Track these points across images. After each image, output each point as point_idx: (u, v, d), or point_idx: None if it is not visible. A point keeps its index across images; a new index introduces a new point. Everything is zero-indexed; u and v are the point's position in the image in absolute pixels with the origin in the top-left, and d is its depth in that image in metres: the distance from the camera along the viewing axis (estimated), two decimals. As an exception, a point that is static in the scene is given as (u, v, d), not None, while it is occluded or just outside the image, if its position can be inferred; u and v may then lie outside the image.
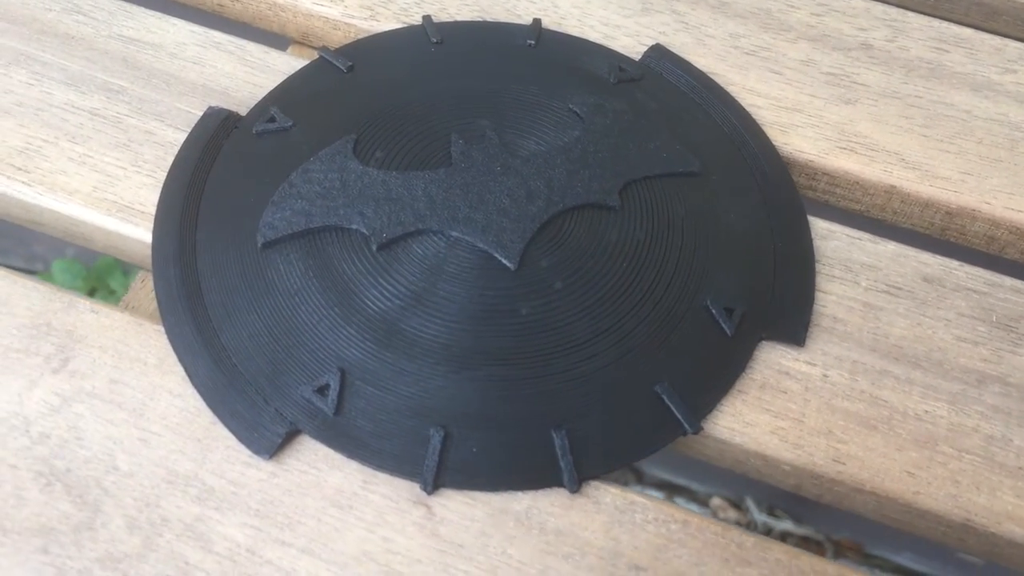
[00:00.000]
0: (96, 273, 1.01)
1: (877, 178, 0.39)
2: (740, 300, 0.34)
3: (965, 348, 0.35)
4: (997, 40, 0.43)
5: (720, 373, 0.33)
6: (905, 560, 1.01)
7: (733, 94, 0.40)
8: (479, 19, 0.42)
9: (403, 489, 0.31)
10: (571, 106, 0.38)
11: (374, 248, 0.33)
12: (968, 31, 0.43)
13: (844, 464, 0.32)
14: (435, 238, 0.34)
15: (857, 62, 0.42)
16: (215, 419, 0.31)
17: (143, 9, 0.41)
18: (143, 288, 0.36)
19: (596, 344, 0.33)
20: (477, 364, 0.32)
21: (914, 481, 0.32)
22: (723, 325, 0.34)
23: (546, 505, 0.31)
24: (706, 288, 0.34)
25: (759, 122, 0.40)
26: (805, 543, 1.07)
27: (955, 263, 0.37)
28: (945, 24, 0.43)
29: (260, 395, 0.32)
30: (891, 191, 0.39)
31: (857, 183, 0.39)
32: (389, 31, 0.41)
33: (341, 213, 0.34)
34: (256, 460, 0.31)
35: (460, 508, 0.31)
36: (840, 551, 1.07)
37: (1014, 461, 0.33)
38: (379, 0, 0.42)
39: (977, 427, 0.33)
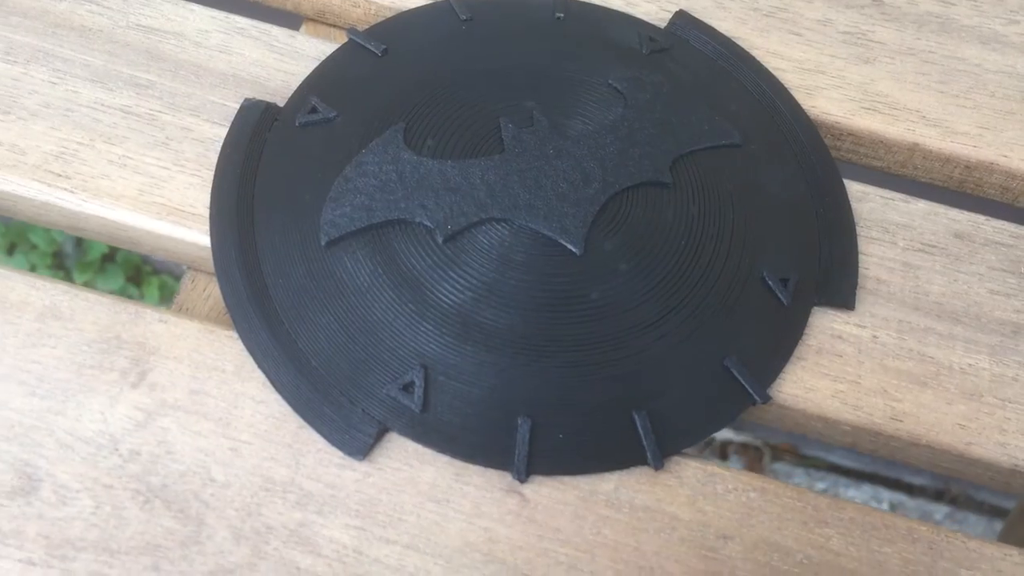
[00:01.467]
0: (15, 229, 0.98)
1: (900, 136, 0.40)
2: (793, 269, 0.36)
3: (999, 301, 0.37)
4: (999, -10, 0.44)
5: (781, 342, 0.35)
6: (837, 458, 1.06)
7: (758, 58, 0.41)
8: (501, -8, 0.41)
9: (495, 479, 0.32)
10: (611, 81, 0.38)
11: (440, 241, 0.33)
12: (973, -20, 0.45)
13: (901, 421, 0.34)
14: (499, 227, 0.34)
15: (871, 19, 0.43)
16: (302, 423, 0.32)
17: (158, -5, 0.39)
18: (194, 289, 0.36)
19: (665, 324, 0.34)
20: (554, 351, 0.33)
21: (965, 433, 0.34)
22: (779, 296, 0.35)
23: (632, 484, 0.32)
24: (761, 259, 0.36)
25: (786, 86, 0.40)
26: (745, 449, 1.12)
27: (982, 218, 0.39)
28: (950, -27, 0.44)
29: (346, 396, 0.32)
30: (913, 148, 0.40)
31: (881, 142, 0.40)
32: (416, 9, 0.40)
33: (403, 206, 0.34)
34: (349, 461, 0.31)
35: (552, 493, 0.32)
36: (777, 454, 1.12)
37: (1053, 407, 0.35)
38: (398, -25, 0.41)
39: (1016, 376, 0.35)
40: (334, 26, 0.42)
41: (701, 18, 0.42)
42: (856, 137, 0.41)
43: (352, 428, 0.32)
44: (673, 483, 0.32)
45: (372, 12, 0.41)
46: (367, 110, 0.37)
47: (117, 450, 0.31)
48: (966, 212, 0.39)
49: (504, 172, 0.35)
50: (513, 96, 0.37)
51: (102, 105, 0.37)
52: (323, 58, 0.39)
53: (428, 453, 0.32)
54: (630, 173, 0.36)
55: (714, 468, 0.33)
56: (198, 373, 0.32)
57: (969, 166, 0.40)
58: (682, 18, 0.41)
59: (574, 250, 0.34)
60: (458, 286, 0.33)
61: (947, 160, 0.40)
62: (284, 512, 0.30)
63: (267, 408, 0.32)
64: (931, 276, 0.37)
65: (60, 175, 0.35)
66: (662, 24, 0.41)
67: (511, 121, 0.36)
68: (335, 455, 0.31)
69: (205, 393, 0.32)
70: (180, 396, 0.32)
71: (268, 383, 0.32)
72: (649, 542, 0.31)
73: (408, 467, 0.32)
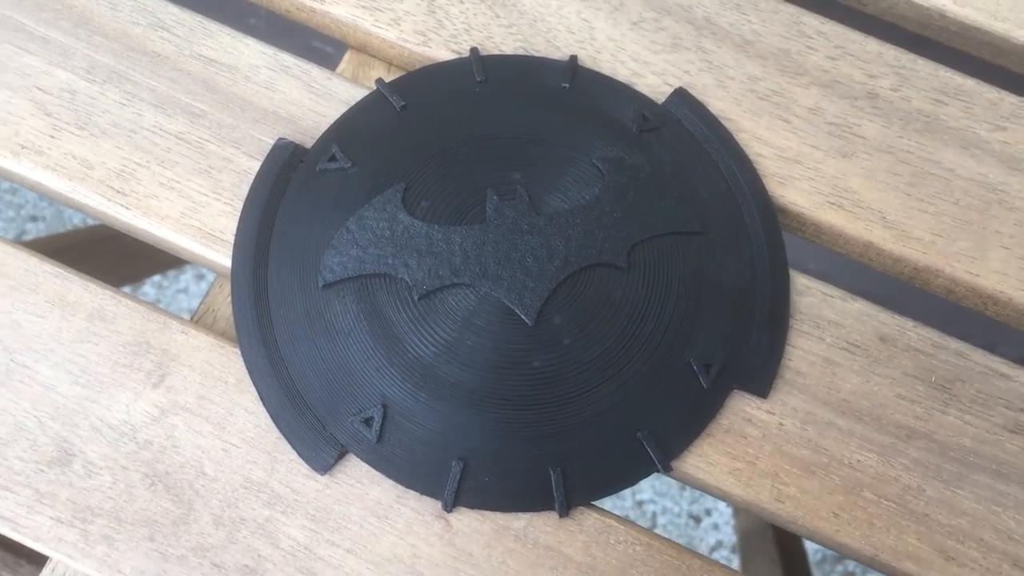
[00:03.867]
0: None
1: (858, 234, 0.44)
2: (719, 355, 0.41)
3: (903, 405, 0.42)
4: (995, 94, 0.46)
5: (694, 420, 0.41)
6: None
7: (742, 142, 0.45)
8: (522, 50, 0.46)
9: (428, 505, 0.39)
10: (595, 161, 0.43)
11: (416, 298, 0.40)
12: (970, 82, 0.47)
13: (783, 503, 0.40)
14: (468, 291, 0.40)
15: (860, 112, 0.46)
16: (281, 436, 0.39)
17: (220, 26, 0.45)
18: (221, 292, 0.43)
19: (593, 395, 0.40)
20: (495, 407, 0.39)
21: (837, 521, 0.40)
22: (701, 379, 0.41)
23: (540, 524, 0.39)
24: (691, 344, 0.41)
25: (761, 173, 0.45)
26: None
27: (910, 324, 0.43)
28: (949, 74, 0.47)
29: (319, 420, 0.39)
30: (868, 245, 0.44)
31: (840, 235, 0.44)
32: (438, 64, 0.45)
33: (390, 263, 0.40)
34: (313, 474, 0.39)
35: (472, 523, 0.39)
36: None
37: (922, 509, 0.40)
38: (431, 26, 0.46)
39: (898, 477, 0.41)
40: (375, 57, 0.47)
41: (702, 95, 0.46)
42: (817, 227, 0.45)
43: (319, 447, 0.39)
44: (574, 529, 0.39)
45: (405, 56, 0.46)
46: (378, 165, 0.42)
47: (135, 439, 0.39)
48: (897, 316, 0.43)
49: (480, 242, 0.41)
50: (505, 166, 0.42)
51: (161, 130, 0.43)
52: (353, 103, 0.44)
53: (378, 476, 0.39)
54: (590, 254, 0.41)
55: (611, 521, 0.40)
56: (206, 381, 0.40)
57: (917, 268, 0.44)
58: (679, 96, 0.45)
59: (527, 321, 0.40)
60: (425, 340, 0.40)
61: (898, 260, 0.44)
62: (256, 508, 0.39)
63: (256, 419, 0.40)
64: (847, 375, 0.42)
65: (118, 191, 0.42)
66: (662, 98, 0.45)
67: (497, 193, 0.42)
68: (303, 467, 0.39)
69: (209, 399, 0.40)
70: (190, 399, 0.40)
71: (259, 398, 0.40)
72: None
73: (360, 485, 0.39)
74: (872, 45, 0.47)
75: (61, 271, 0.41)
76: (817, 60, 0.47)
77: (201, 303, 0.43)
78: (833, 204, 0.44)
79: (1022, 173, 0.45)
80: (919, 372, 0.42)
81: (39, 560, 0.44)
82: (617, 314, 0.41)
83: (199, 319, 0.42)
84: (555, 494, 0.39)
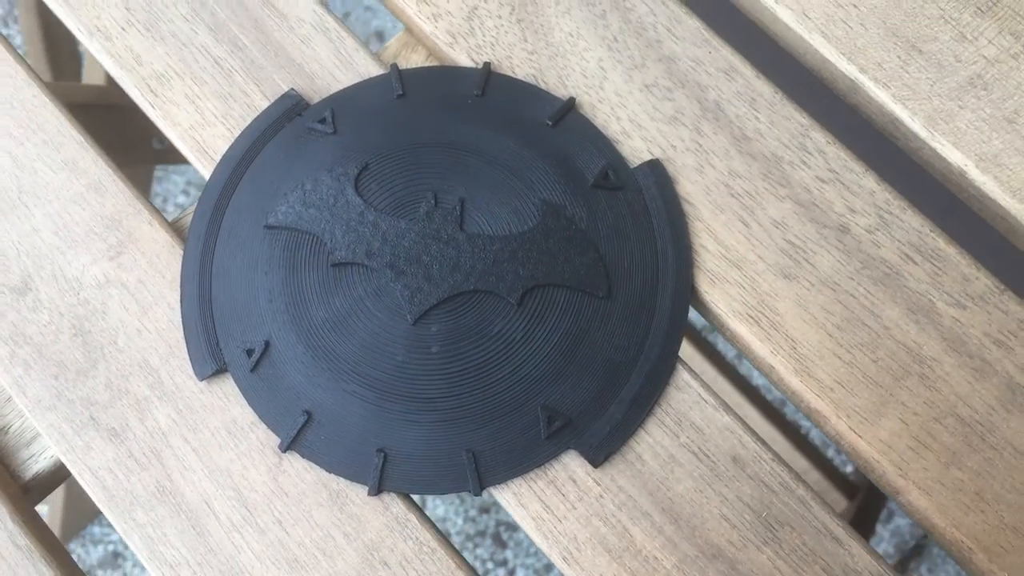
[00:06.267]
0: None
1: (764, 355, 0.45)
2: (568, 413, 0.43)
3: (723, 526, 0.43)
4: (972, 270, 0.45)
5: (520, 460, 0.43)
6: None
7: (694, 230, 0.46)
8: (531, 78, 0.48)
9: (272, 440, 0.45)
10: (537, 200, 0.45)
11: (329, 264, 0.45)
12: (951, 250, 0.45)
13: (568, 566, 0.43)
14: (372, 275, 0.45)
15: (824, 242, 0.46)
16: (182, 337, 0.46)
17: (289, -24, 0.51)
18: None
19: (439, 403, 0.44)
20: (350, 380, 0.44)
21: (611, 602, 0.42)
22: (541, 428, 0.43)
23: (354, 494, 0.44)
24: (546, 394, 0.44)
25: (697, 265, 0.46)
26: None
27: (769, 456, 0.43)
28: (933, 235, 0.45)
29: (215, 335, 0.45)
30: (772, 369, 0.45)
31: (748, 349, 0.45)
32: (453, 68, 0.49)
33: (322, 227, 0.45)
34: (194, 378, 0.45)
35: (300, 471, 0.44)
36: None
37: (695, 626, 0.42)
38: (463, 31, 0.49)
39: (687, 588, 0.42)
40: (419, 42, 0.51)
41: (677, 173, 0.47)
42: (730, 335, 0.45)
43: (206, 357, 0.45)
44: (380, 509, 0.44)
45: (433, 51, 0.50)
46: (354, 139, 0.47)
47: (78, 295, 0.47)
48: (759, 445, 0.44)
49: (400, 236, 0.45)
50: (457, 179, 0.46)
51: (206, 50, 0.50)
52: (367, 78, 0.49)
53: (242, 400, 0.45)
54: (488, 281, 0.44)
55: (414, 516, 0.43)
56: (149, 270, 0.47)
57: (810, 408, 0.44)
58: (652, 166, 0.47)
59: (408, 318, 0.44)
60: (321, 302, 0.45)
61: (795, 392, 0.44)
62: (140, 387, 0.45)
63: (172, 316, 0.46)
64: (684, 477, 0.43)
65: (152, 91, 0.49)
66: (637, 163, 0.47)
67: (436, 199, 0.45)
68: (189, 369, 0.45)
69: (145, 285, 0.47)
70: (130, 280, 0.47)
71: (180, 299, 0.46)
72: (336, 537, 0.43)
73: (225, 401, 0.45)
74: (868, 181, 0.46)
75: (83, 139, 0.49)
76: (805, 177, 0.46)
77: (186, 209, 0.50)
78: (752, 318, 0.45)
79: (959, 357, 0.44)
80: (754, 503, 0.43)
81: None
82: (488, 343, 0.44)
83: (175, 221, 0.49)
84: (372, 472, 0.43)
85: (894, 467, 0.43)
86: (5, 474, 0.46)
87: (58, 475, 0.46)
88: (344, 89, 0.49)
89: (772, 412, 1.02)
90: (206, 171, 0.48)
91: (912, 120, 0.47)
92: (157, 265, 0.47)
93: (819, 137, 0.47)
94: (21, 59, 0.50)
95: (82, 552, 1.29)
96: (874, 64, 0.48)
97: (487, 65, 0.49)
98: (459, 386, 0.44)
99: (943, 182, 0.48)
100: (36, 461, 0.46)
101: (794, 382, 0.44)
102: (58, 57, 1.10)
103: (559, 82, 0.49)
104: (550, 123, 0.47)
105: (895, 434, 0.43)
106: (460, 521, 1.33)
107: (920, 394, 0.44)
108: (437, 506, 1.33)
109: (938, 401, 0.44)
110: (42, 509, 1.26)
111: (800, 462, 0.96)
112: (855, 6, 0.49)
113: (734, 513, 0.43)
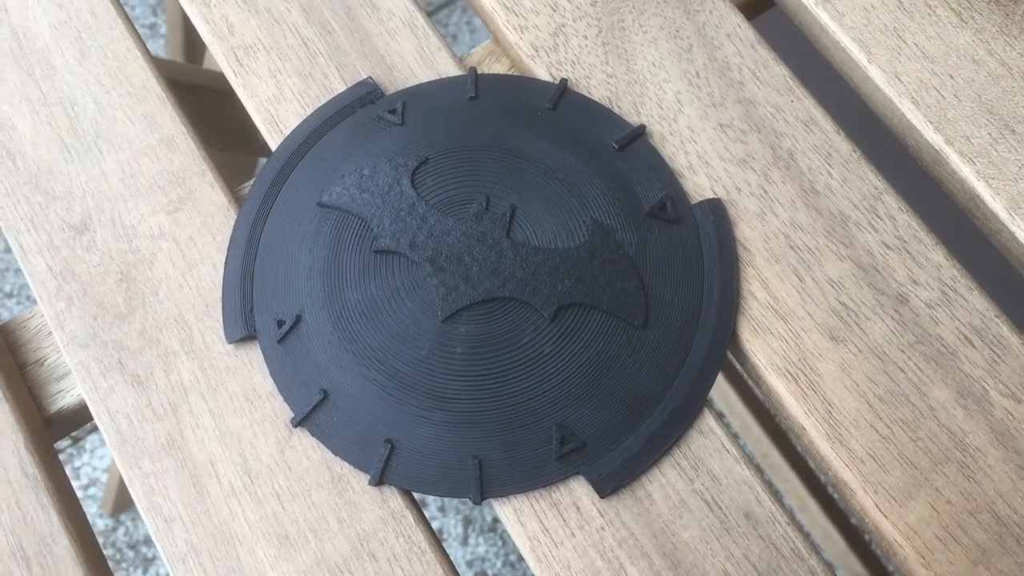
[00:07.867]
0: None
1: (796, 414, 0.43)
2: (583, 437, 0.42)
3: (724, 583, 0.41)
4: (1034, 363, 0.42)
5: (526, 476, 0.42)
6: None
7: (745, 276, 0.45)
8: (606, 100, 0.48)
9: (286, 413, 0.44)
10: (588, 219, 0.45)
11: (373, 249, 0.45)
12: (1014, 339, 0.42)
13: (557, 593, 0.41)
14: (413, 267, 0.44)
15: (879, 309, 0.44)
16: (219, 299, 0.46)
17: (389, -30, 0.51)
18: (274, 175, 0.50)
19: (453, 404, 0.43)
20: (372, 367, 0.44)
21: (593, 639, 0.40)
22: (553, 448, 0.42)
23: (356, 481, 0.43)
24: (565, 413, 0.43)
25: (742, 311, 0.44)
26: None
27: (785, 519, 0.41)
28: (998, 320, 0.43)
29: (250, 303, 0.46)
30: (803, 431, 0.43)
31: (782, 406, 0.43)
32: (524, 77, 0.49)
33: (372, 212, 0.45)
34: (223, 340, 0.46)
35: (308, 448, 0.44)
36: None
37: None
38: (547, 46, 0.49)
39: (675, 639, 0.40)
40: (504, 51, 0.51)
41: (737, 216, 0.46)
42: (766, 388, 0.43)
43: (237, 322, 0.45)
44: (378, 501, 0.43)
45: (516, 61, 0.50)
46: (420, 133, 0.47)
47: (131, 243, 0.48)
48: (776, 505, 0.41)
49: (446, 233, 0.45)
50: (513, 186, 0.45)
51: (296, 29, 0.51)
52: (443, 77, 0.49)
53: (266, 369, 0.45)
54: (525, 291, 0.43)
55: (410, 513, 0.43)
56: (202, 229, 0.48)
57: (836, 478, 0.42)
58: (712, 204, 0.45)
59: (439, 315, 0.43)
60: (358, 285, 0.45)
61: (824, 459, 0.42)
62: (172, 341, 0.46)
63: (215, 277, 0.47)
64: (691, 525, 0.41)
65: (238, 61, 0.50)
66: (697, 199, 0.46)
67: (488, 202, 0.45)
68: (220, 330, 0.46)
69: (195, 243, 0.47)
70: (183, 236, 0.47)
71: (224, 263, 0.47)
72: (331, 521, 0.43)
73: (249, 367, 0.45)
74: (936, 255, 0.44)
75: (164, 96, 0.50)
76: (870, 240, 0.45)
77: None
78: (790, 375, 0.43)
79: (1006, 451, 0.41)
80: (760, 565, 0.41)
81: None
82: (514, 352, 0.43)
83: (237, 189, 0.50)
84: (376, 462, 0.43)
85: (917, 554, 0.41)
86: (32, 405, 0.46)
87: (80, 415, 0.47)
88: (419, 84, 0.49)
89: (803, 467, 0.97)
90: (274, 143, 0.49)
91: (994, 200, 0.45)
92: (210, 226, 0.48)
93: (891, 202, 0.45)
94: (123, 12, 0.52)
95: (131, 526, 1.31)
96: (962, 137, 0.46)
97: (564, 81, 0.48)
98: (477, 390, 0.43)
99: (1018, 268, 0.45)
100: (63, 397, 0.47)
101: (824, 447, 0.42)
102: (193, 46, 1.15)
103: (633, 108, 0.48)
104: (616, 146, 0.47)
105: (924, 520, 0.41)
106: (499, 564, 1.31)
107: (957, 483, 0.41)
108: (479, 544, 1.31)
109: (976, 494, 0.41)
110: (103, 477, 1.29)
111: (825, 524, 0.91)
112: (951, 76, 0.47)
113: (738, 571, 0.41)
